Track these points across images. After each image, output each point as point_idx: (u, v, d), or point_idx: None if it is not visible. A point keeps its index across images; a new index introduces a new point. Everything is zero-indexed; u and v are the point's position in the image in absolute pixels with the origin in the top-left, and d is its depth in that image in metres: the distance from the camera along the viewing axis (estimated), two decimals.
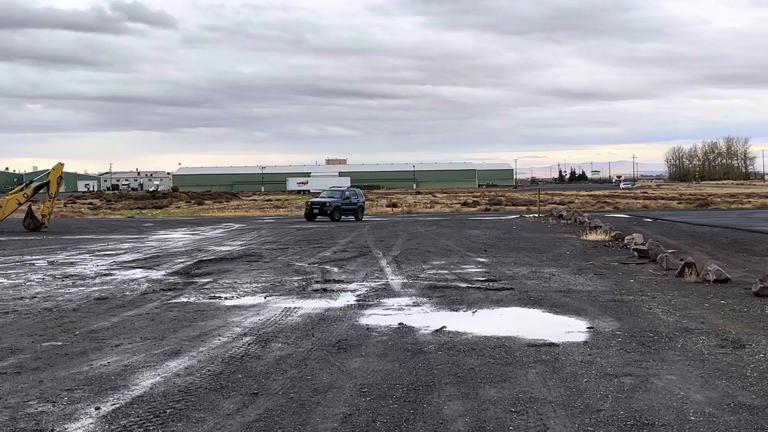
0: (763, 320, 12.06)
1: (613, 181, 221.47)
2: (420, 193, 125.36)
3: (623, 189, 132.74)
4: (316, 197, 52.06)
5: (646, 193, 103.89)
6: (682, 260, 18.02)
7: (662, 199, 79.76)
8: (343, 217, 47.69)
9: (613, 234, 28.40)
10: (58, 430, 7.07)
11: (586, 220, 37.91)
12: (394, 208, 67.17)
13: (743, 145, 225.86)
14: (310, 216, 47.52)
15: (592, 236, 29.42)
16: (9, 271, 20.55)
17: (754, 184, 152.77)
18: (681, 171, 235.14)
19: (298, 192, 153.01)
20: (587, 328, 11.69)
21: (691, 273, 16.92)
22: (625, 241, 25.25)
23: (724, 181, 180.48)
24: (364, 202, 52.61)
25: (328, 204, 47.26)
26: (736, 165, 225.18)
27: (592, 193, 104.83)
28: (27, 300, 15.25)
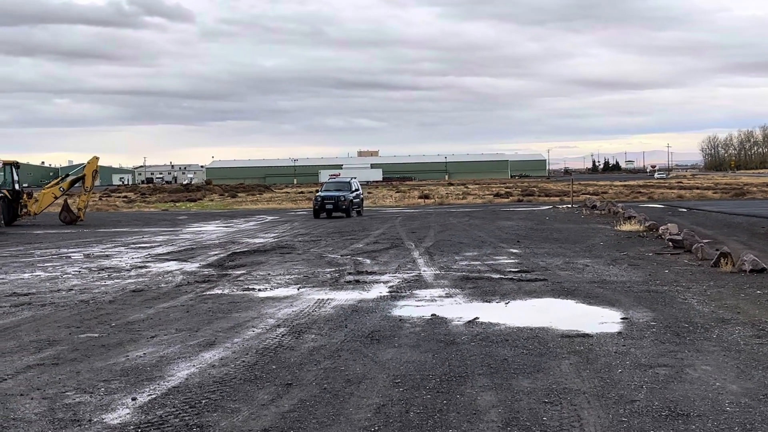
0: None
1: (648, 170, 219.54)
2: (452, 184, 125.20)
3: (657, 179, 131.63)
4: (323, 191, 44.68)
5: (681, 182, 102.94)
6: (717, 250, 17.85)
7: (697, 188, 79.01)
8: (340, 212, 42.24)
9: (647, 224, 28.17)
10: (95, 419, 7.15)
11: (620, 210, 37.67)
12: (426, 200, 67.11)
13: None
14: (320, 211, 41.88)
15: (626, 227, 29.21)
16: (46, 264, 20.80)
17: None
18: (716, 160, 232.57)
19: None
20: (621, 318, 11.63)
21: (726, 263, 16.76)
22: (660, 232, 25.04)
23: (761, 171, 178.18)
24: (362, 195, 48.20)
25: (342, 198, 42.23)
26: None
27: (626, 183, 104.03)
28: (64, 292, 15.42)
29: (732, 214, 37.54)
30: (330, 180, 50.77)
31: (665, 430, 6.62)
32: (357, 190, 45.22)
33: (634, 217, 31.63)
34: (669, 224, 25.53)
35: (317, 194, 44.18)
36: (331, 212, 41.89)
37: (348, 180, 47.87)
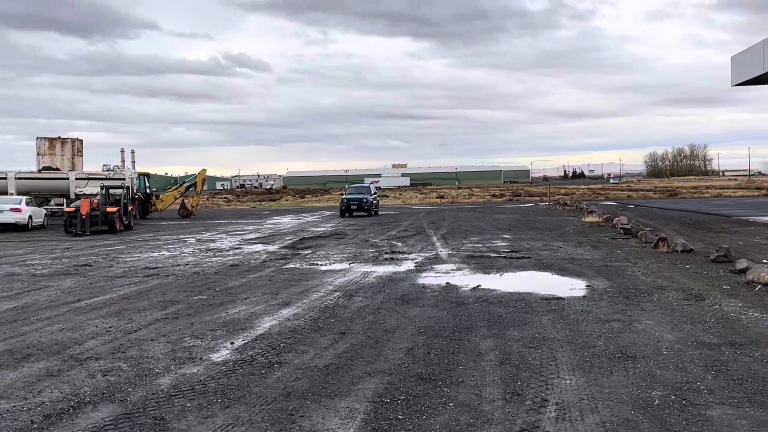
0: (719, 280, 11.74)
1: (605, 177, 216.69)
2: (461, 188, 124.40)
3: (612, 183, 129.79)
4: (348, 195, 39.00)
5: (630, 186, 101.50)
6: (656, 236, 17.63)
7: (642, 190, 77.95)
8: (363, 212, 37.60)
9: (604, 217, 27.90)
10: (204, 358, 7.23)
11: (585, 206, 37.31)
12: (442, 199, 66.90)
13: (703, 150, 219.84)
14: (345, 212, 37.41)
15: (589, 219, 28.94)
16: (169, 246, 21.06)
17: (711, 179, 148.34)
18: (656, 170, 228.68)
19: None
20: (586, 286, 11.52)
21: (663, 245, 16.54)
22: (614, 222, 24.77)
23: (689, 177, 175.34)
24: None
25: (365, 200, 37.45)
26: (698, 165, 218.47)
27: (589, 186, 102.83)
28: (182, 266, 15.60)
29: (667, 209, 37.03)
30: (352, 185, 43.14)
31: (618, 367, 6.56)
32: (374, 193, 40.01)
33: (595, 211, 31.33)
34: (621, 217, 25.25)
35: (342, 197, 38.76)
36: (353, 212, 37.45)
37: (367, 185, 42.11)
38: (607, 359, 6.86)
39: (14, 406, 5.75)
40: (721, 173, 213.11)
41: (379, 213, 40.73)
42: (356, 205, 37.37)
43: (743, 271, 12.17)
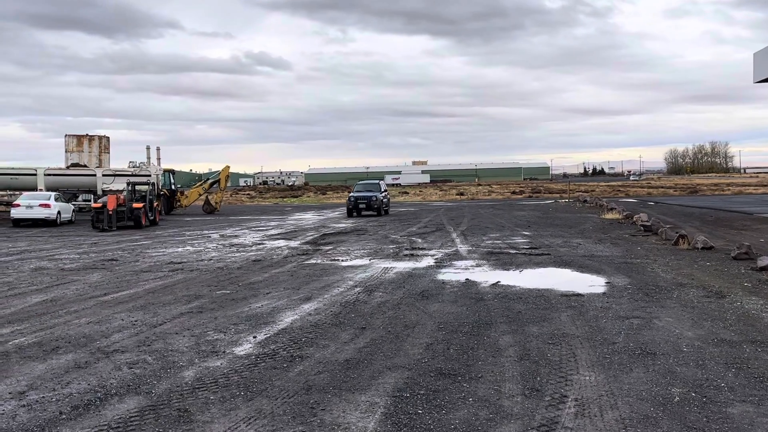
0: (739, 277, 11.58)
1: (625, 174, 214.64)
2: (480, 185, 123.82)
3: (632, 180, 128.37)
4: (356, 192, 35.05)
5: (650, 183, 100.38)
6: (677, 233, 17.42)
7: (662, 188, 77.05)
8: (372, 211, 33.79)
9: (624, 214, 27.62)
10: (227, 351, 7.27)
11: (605, 203, 36.98)
12: (461, 196, 66.67)
13: (724, 147, 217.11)
14: (353, 211, 33.66)
15: (609, 215, 28.67)
16: (193, 242, 21.21)
17: (732, 176, 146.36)
18: (676, 167, 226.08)
19: (392, 185, 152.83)
20: (605, 283, 11.42)
21: (684, 242, 16.35)
22: (634, 219, 24.52)
23: (709, 174, 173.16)
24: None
25: (374, 198, 33.63)
26: (719, 162, 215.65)
27: (609, 183, 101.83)
28: (206, 261, 15.70)
29: (688, 207, 36.57)
30: (360, 182, 38.55)
31: (638, 364, 6.49)
32: (385, 191, 35.92)
33: (615, 208, 31.04)
34: (641, 214, 24.98)
35: (350, 195, 34.84)
36: (362, 211, 33.77)
37: (377, 182, 37.47)
38: (626, 356, 6.79)
39: (43, 396, 5.83)
40: (742, 170, 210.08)
41: (400, 210, 40.56)
42: (365, 203, 33.64)
43: (765, 269, 11.99)
